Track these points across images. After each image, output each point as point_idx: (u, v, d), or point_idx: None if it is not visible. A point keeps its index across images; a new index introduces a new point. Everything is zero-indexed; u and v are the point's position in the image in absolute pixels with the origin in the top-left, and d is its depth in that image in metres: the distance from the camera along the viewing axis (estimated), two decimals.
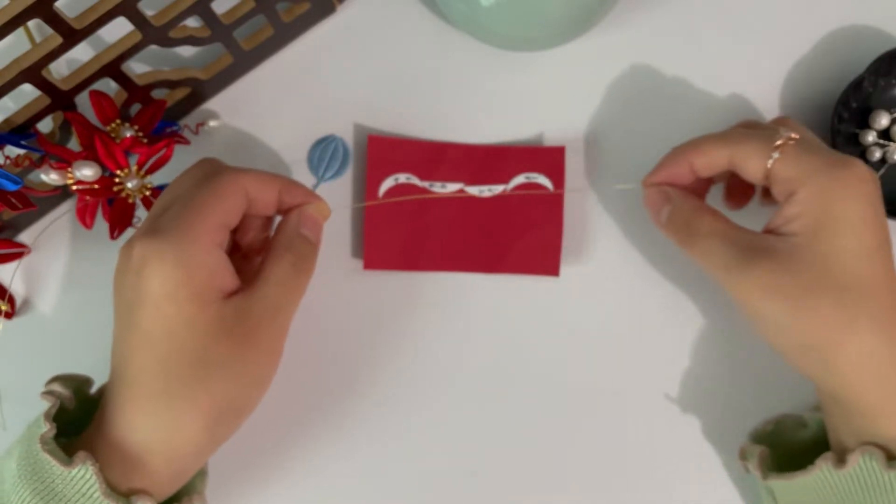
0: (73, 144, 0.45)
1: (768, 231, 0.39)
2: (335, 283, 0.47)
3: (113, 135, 0.44)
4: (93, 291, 0.47)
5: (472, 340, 0.47)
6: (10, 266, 0.48)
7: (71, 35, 0.39)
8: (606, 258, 0.47)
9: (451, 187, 0.47)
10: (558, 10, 0.43)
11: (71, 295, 0.48)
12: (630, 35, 0.48)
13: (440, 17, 0.49)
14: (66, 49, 0.39)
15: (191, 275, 0.36)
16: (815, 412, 0.43)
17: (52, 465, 0.35)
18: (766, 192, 0.42)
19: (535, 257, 0.46)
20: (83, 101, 0.44)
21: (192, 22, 0.43)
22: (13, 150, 0.43)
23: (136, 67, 0.48)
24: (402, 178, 0.47)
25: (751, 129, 0.42)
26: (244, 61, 0.48)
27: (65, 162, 0.43)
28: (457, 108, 0.48)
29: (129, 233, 0.45)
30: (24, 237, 0.48)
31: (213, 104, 0.49)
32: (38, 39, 0.47)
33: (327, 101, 0.48)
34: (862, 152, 0.46)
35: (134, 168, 0.43)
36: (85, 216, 0.45)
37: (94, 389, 0.41)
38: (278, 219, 0.42)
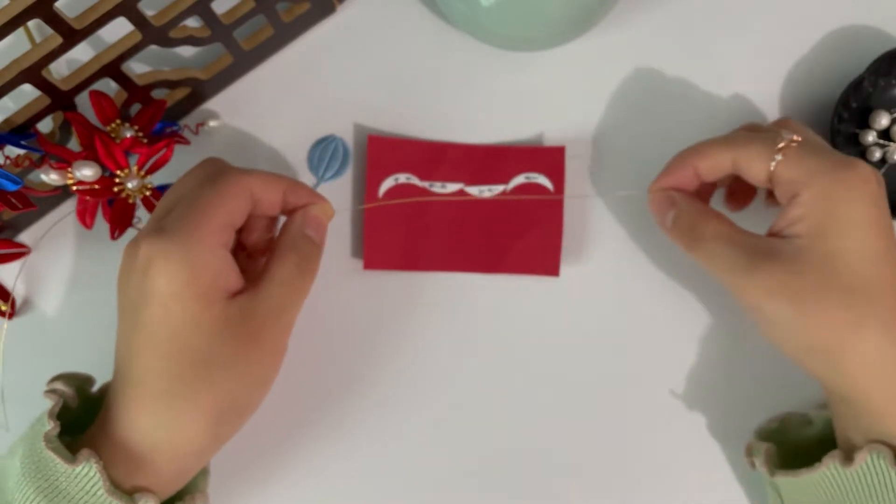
0: (73, 144, 0.45)
1: (772, 234, 0.39)
2: (335, 283, 0.47)
3: (113, 135, 0.44)
4: (93, 291, 0.47)
5: (472, 340, 0.47)
6: (11, 266, 0.48)
7: (71, 35, 0.39)
8: (606, 258, 0.47)
9: (451, 187, 0.47)
10: (558, 10, 0.43)
11: (71, 295, 0.48)
12: (630, 35, 0.48)
13: (440, 17, 0.49)
14: (66, 49, 0.39)
15: (196, 275, 0.36)
16: (821, 410, 0.43)
17: (56, 462, 0.35)
18: (771, 195, 0.42)
19: (535, 257, 0.46)
20: (83, 101, 0.44)
21: (192, 22, 0.43)
22: (13, 150, 0.43)
23: (136, 67, 0.48)
24: (402, 178, 0.47)
25: (754, 131, 0.43)
26: (244, 61, 0.48)
27: (65, 162, 0.43)
28: (457, 108, 0.48)
29: (129, 233, 0.45)
30: (25, 237, 0.48)
31: (213, 104, 0.49)
32: (38, 39, 0.47)
33: (327, 101, 0.48)
34: (862, 152, 0.46)
35: (134, 168, 0.43)
36: (85, 216, 0.45)
37: (95, 388, 0.41)
38: (282, 219, 0.42)
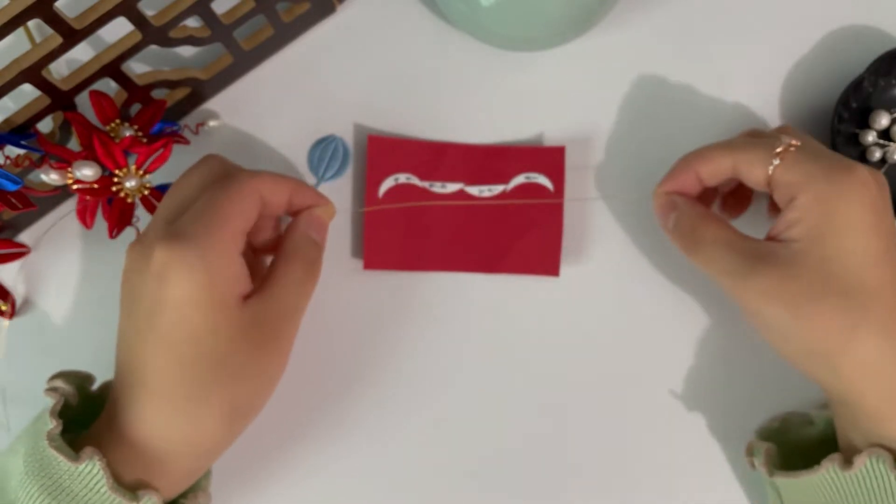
0: (73, 144, 0.45)
1: (770, 238, 0.39)
2: (335, 283, 0.47)
3: (112, 135, 0.44)
4: (94, 291, 0.48)
5: (472, 340, 0.47)
6: (10, 266, 0.48)
7: (71, 35, 0.39)
8: (606, 258, 0.47)
9: (451, 187, 0.47)
10: (558, 10, 0.43)
11: (71, 295, 0.48)
12: (630, 35, 0.48)
13: (440, 17, 0.49)
14: (66, 49, 0.39)
15: (214, 282, 0.36)
16: (822, 410, 0.43)
17: (60, 461, 0.35)
18: (774, 204, 0.42)
19: (535, 257, 0.46)
20: (83, 101, 0.44)
21: (192, 22, 0.43)
22: (13, 150, 0.43)
23: (136, 67, 0.48)
24: (402, 178, 0.47)
25: (755, 137, 0.43)
26: (244, 61, 0.48)
27: (65, 162, 0.43)
28: (457, 108, 0.48)
29: (130, 233, 0.45)
30: (25, 237, 0.48)
31: (213, 104, 0.49)
32: (38, 39, 0.47)
33: (327, 101, 0.48)
34: (862, 152, 0.46)
35: (132, 168, 0.43)
36: (85, 216, 0.45)
37: (95, 386, 0.41)
38: (286, 219, 0.43)
